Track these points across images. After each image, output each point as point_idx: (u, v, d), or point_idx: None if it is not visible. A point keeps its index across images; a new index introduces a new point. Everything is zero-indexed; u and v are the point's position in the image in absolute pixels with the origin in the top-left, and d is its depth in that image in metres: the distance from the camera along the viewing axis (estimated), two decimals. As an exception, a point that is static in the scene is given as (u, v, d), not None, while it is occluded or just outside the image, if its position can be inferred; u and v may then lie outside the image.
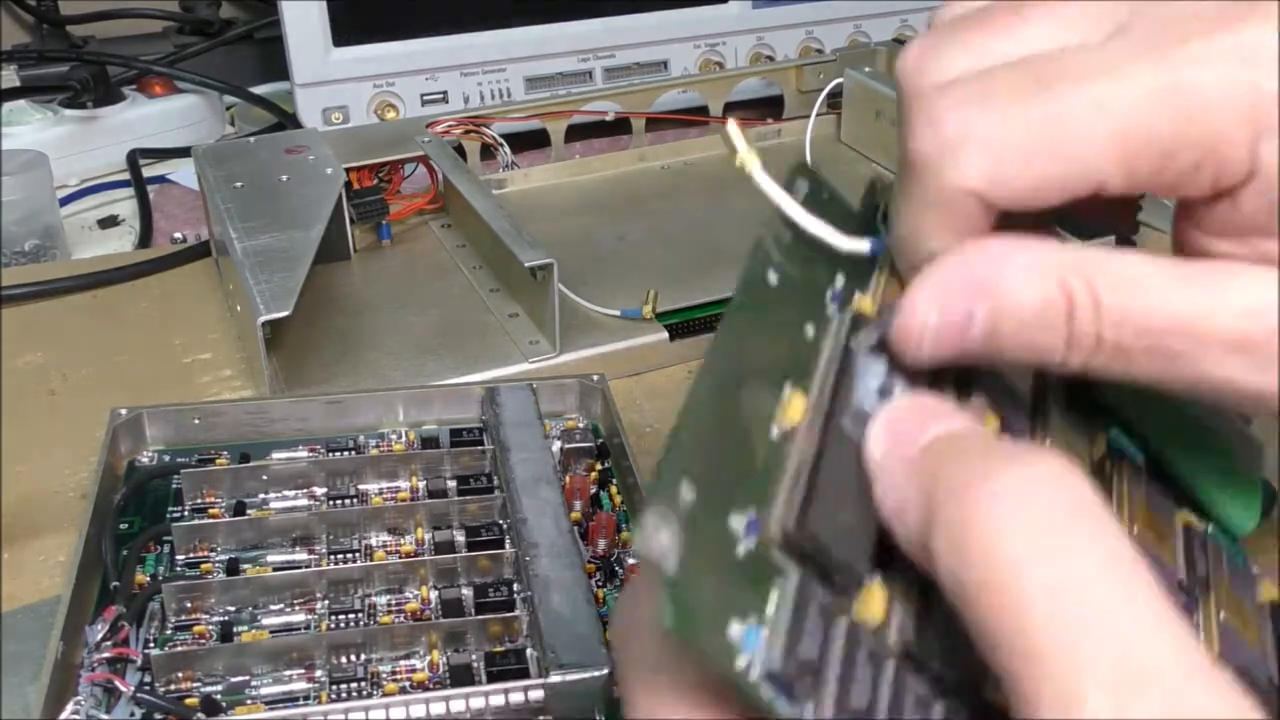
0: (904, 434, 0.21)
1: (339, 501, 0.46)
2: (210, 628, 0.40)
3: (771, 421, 0.21)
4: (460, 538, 0.44)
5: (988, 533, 0.18)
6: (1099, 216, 0.25)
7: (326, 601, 0.41)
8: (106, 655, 0.38)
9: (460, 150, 0.70)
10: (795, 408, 0.21)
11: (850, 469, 0.21)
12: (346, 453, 0.48)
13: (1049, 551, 0.17)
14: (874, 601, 0.20)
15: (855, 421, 0.22)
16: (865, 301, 0.24)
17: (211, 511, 0.45)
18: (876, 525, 0.21)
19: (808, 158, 0.68)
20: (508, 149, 0.72)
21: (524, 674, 0.38)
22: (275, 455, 0.47)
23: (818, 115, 0.73)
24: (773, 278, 0.23)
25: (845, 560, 0.20)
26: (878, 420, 0.21)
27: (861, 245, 0.25)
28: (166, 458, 0.48)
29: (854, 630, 0.19)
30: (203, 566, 0.42)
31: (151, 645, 0.39)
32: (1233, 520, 0.27)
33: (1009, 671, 0.17)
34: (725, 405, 0.20)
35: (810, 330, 0.23)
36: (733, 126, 0.24)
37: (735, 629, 0.18)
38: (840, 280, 0.25)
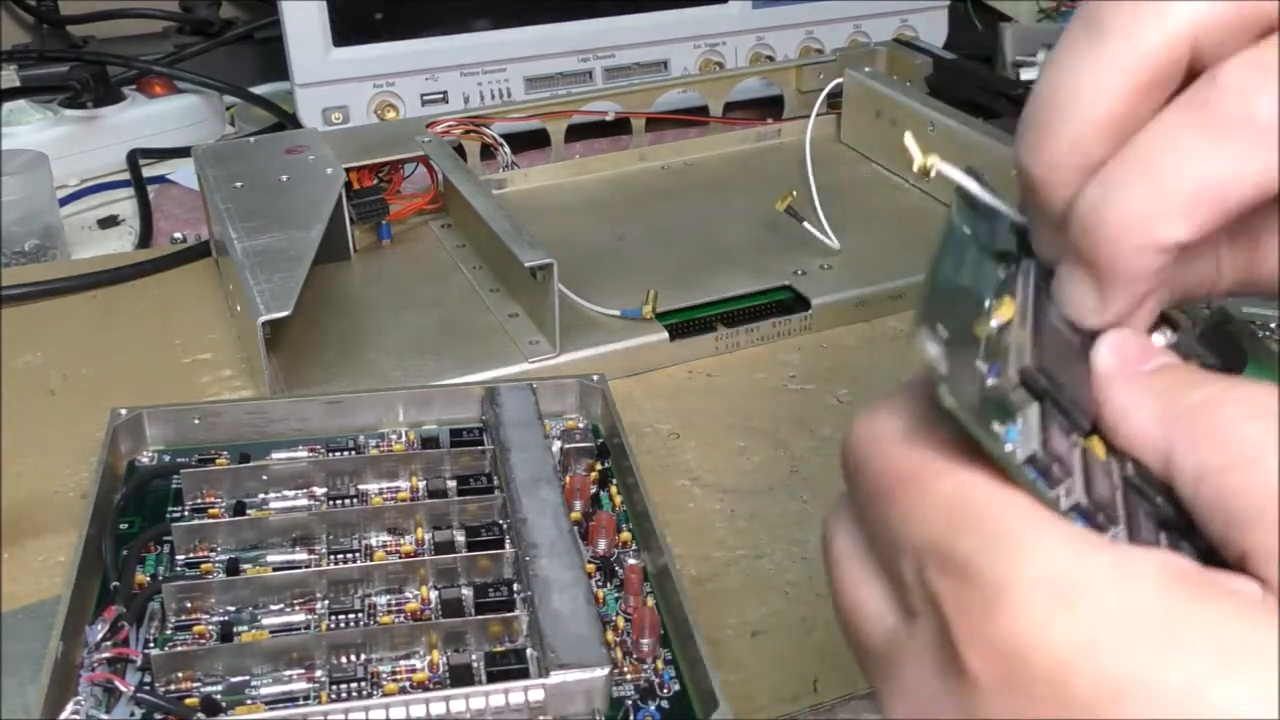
0: (1131, 356, 0.23)
1: (339, 501, 0.46)
2: (210, 628, 0.40)
3: (990, 315, 0.24)
4: (460, 538, 0.44)
5: (1234, 426, 0.21)
6: None
7: (326, 601, 0.41)
8: (106, 655, 0.38)
9: (460, 150, 0.70)
10: (1008, 306, 0.24)
11: (1072, 357, 0.24)
12: (346, 453, 0.48)
13: None
14: (1096, 444, 0.23)
15: (1060, 321, 0.25)
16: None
17: (211, 511, 0.45)
18: (1088, 401, 0.24)
19: (807, 158, 0.68)
20: (508, 149, 0.72)
21: (524, 674, 0.38)
22: (275, 455, 0.47)
23: (818, 115, 0.73)
24: (966, 229, 0.26)
25: (1074, 399, 0.23)
26: (1105, 342, 0.24)
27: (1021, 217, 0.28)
28: (166, 458, 0.48)
29: (1088, 453, 0.23)
30: (203, 566, 0.42)
31: (151, 645, 0.39)
32: None
33: (1257, 534, 0.20)
34: (953, 295, 0.24)
35: (1001, 272, 0.26)
36: (909, 139, 0.27)
37: (997, 426, 0.21)
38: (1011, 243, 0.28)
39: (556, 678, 0.36)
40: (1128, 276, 0.23)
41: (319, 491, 0.46)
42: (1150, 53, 0.22)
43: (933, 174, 0.27)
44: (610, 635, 0.40)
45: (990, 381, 0.22)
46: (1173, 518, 0.22)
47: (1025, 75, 0.85)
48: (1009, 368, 0.23)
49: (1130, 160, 0.23)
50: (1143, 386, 0.23)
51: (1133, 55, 0.22)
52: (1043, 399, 0.23)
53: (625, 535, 0.45)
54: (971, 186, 0.27)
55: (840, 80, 0.78)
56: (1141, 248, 0.22)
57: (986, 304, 0.24)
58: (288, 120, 0.81)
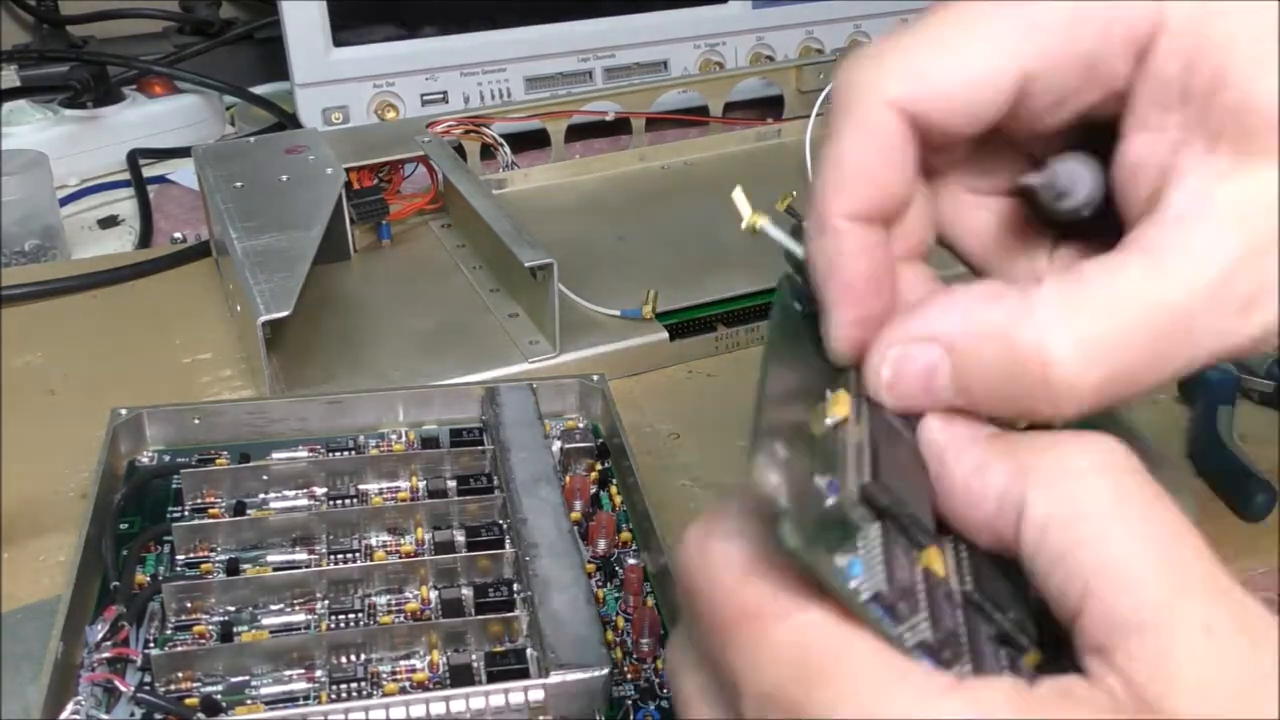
0: (961, 431, 0.23)
1: (339, 501, 0.46)
2: (210, 628, 0.40)
3: (825, 414, 0.24)
4: (460, 538, 0.44)
5: (1081, 477, 0.21)
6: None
7: (326, 601, 0.41)
8: (107, 655, 0.38)
9: (460, 150, 0.70)
10: (842, 403, 0.24)
11: (904, 454, 0.24)
12: (346, 453, 0.48)
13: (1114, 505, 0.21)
14: (936, 559, 0.22)
15: (891, 416, 0.24)
16: None
17: (211, 511, 0.45)
18: (929, 503, 0.23)
19: (807, 158, 0.68)
20: (508, 149, 0.72)
21: (524, 674, 0.38)
22: (275, 455, 0.47)
23: (818, 115, 0.73)
24: (796, 305, 0.27)
25: (915, 514, 0.22)
26: (929, 424, 0.24)
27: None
28: (166, 458, 0.48)
29: (929, 574, 0.22)
30: (203, 566, 0.42)
31: (151, 645, 0.39)
32: None
33: (1084, 600, 0.20)
34: (785, 397, 0.24)
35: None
36: (738, 193, 0.28)
37: (840, 559, 0.21)
38: None
39: (556, 678, 0.36)
40: (847, 293, 0.24)
41: (319, 491, 0.46)
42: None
43: (759, 229, 0.27)
44: (610, 635, 0.40)
45: (830, 501, 0.22)
46: (1011, 631, 0.22)
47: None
48: (848, 482, 0.22)
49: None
50: (987, 448, 0.23)
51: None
52: (884, 516, 0.22)
53: (625, 535, 0.45)
54: (796, 249, 0.27)
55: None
56: (835, 210, 0.24)
57: (824, 401, 0.24)
58: (288, 120, 0.81)
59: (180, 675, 0.38)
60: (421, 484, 0.46)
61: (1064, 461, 0.21)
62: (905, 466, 0.23)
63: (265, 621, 0.40)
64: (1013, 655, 0.22)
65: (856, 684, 0.20)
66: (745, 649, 0.21)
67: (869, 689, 0.20)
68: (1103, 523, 0.20)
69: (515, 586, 0.42)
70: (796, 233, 0.28)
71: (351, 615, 0.41)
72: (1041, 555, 0.21)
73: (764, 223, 0.28)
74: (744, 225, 0.27)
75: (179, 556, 0.43)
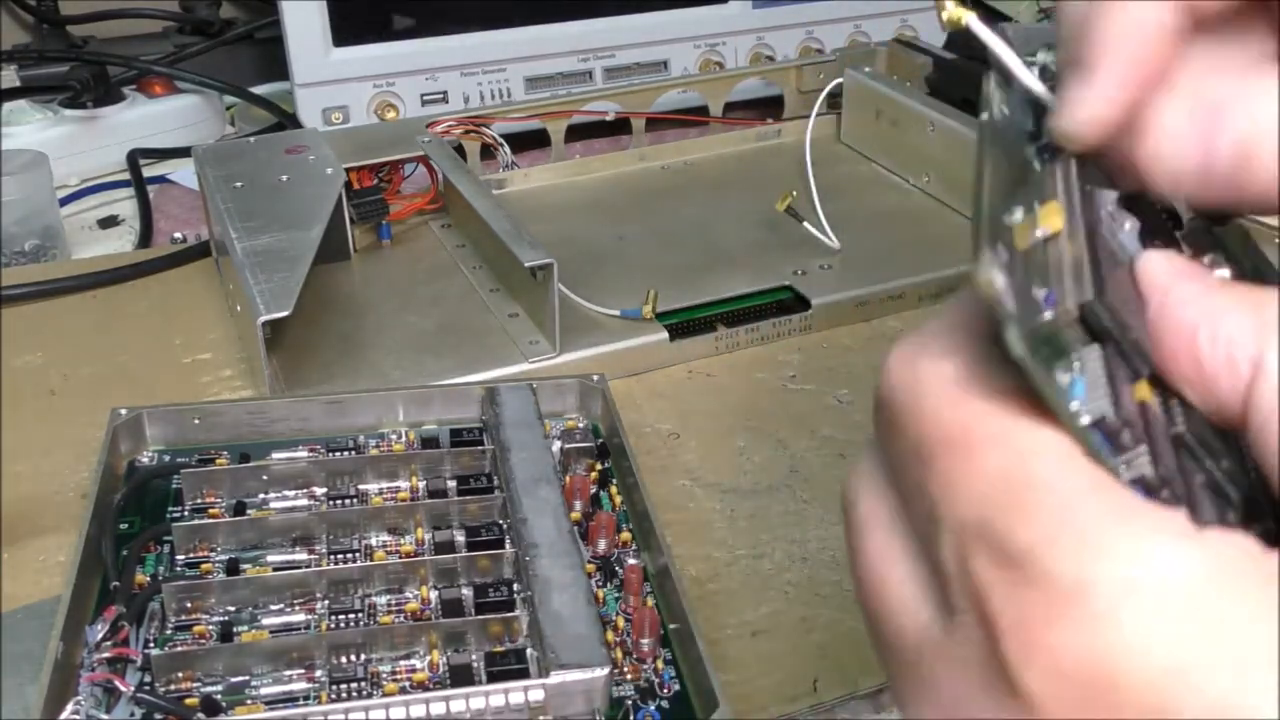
0: (1186, 270, 0.20)
1: (339, 501, 0.46)
2: (210, 628, 0.40)
3: (1034, 225, 0.21)
4: (460, 538, 0.44)
5: None
6: None
7: (326, 601, 0.41)
8: (106, 655, 0.38)
9: (460, 150, 0.70)
10: (1054, 214, 0.22)
11: (1123, 281, 0.21)
12: (346, 453, 0.48)
13: None
14: (1148, 395, 0.20)
15: (1110, 233, 0.22)
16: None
17: (211, 511, 0.45)
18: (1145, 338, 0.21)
19: (808, 158, 0.68)
20: (508, 149, 0.72)
21: (524, 674, 0.38)
22: (275, 455, 0.47)
23: (818, 115, 0.73)
24: (1003, 111, 0.24)
25: (1139, 340, 0.20)
26: (1149, 256, 0.21)
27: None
28: (166, 458, 0.48)
29: (1146, 408, 0.20)
30: (203, 566, 0.42)
31: (151, 645, 0.39)
32: None
33: None
34: (1000, 200, 0.21)
35: (1037, 165, 0.24)
36: None
37: (1062, 377, 0.19)
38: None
39: (556, 678, 0.36)
40: (1121, 38, 0.20)
41: (319, 491, 0.46)
42: None
43: (962, 24, 0.24)
44: (610, 635, 0.40)
45: (1046, 315, 0.19)
46: (1222, 481, 0.20)
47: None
48: (1066, 297, 0.20)
49: None
50: (1222, 295, 0.19)
51: None
52: (1104, 340, 0.20)
53: (625, 535, 0.45)
54: (1003, 53, 0.24)
55: (840, 80, 0.78)
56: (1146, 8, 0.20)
57: (1031, 209, 0.21)
58: (288, 120, 0.81)
59: (180, 675, 0.38)
60: (421, 484, 0.46)
61: None
62: (1123, 293, 0.21)
63: (265, 621, 0.40)
64: (1222, 508, 0.20)
65: (1075, 518, 0.17)
66: (950, 472, 0.19)
67: (1091, 525, 0.17)
68: None
69: (515, 586, 0.42)
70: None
71: (351, 615, 0.41)
72: (1273, 431, 0.18)
73: (970, 19, 0.25)
74: (944, 17, 0.24)
75: (179, 556, 0.43)
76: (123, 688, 0.37)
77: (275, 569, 0.42)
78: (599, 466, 0.48)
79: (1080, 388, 0.19)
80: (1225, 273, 0.23)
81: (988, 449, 0.19)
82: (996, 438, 0.19)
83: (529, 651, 0.39)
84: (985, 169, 0.22)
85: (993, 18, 0.99)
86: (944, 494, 0.19)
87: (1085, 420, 0.19)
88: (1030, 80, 0.25)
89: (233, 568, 0.42)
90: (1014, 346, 0.18)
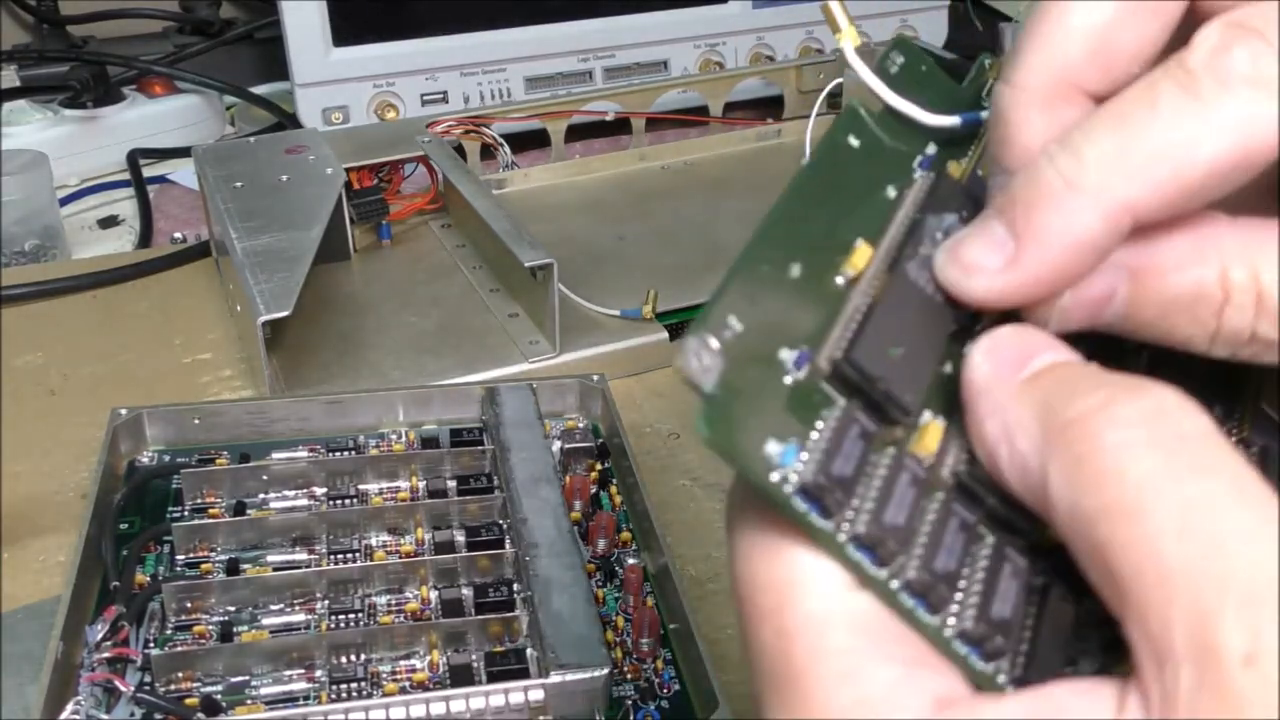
0: (1009, 359, 0.20)
1: (339, 501, 0.46)
2: (210, 628, 0.40)
3: (837, 269, 0.21)
4: (460, 538, 0.44)
5: (1115, 456, 0.17)
6: None
7: (326, 601, 0.41)
8: (106, 655, 0.38)
9: (460, 150, 0.70)
10: (861, 256, 0.22)
11: (910, 309, 0.21)
12: (346, 453, 0.48)
13: (1178, 473, 0.17)
14: (928, 436, 0.20)
15: (920, 267, 0.22)
16: (955, 166, 0.25)
17: (211, 511, 0.45)
18: (935, 365, 0.21)
19: (808, 158, 0.68)
20: (508, 149, 0.72)
21: (524, 674, 0.38)
22: (275, 455, 0.47)
23: (818, 115, 0.73)
24: (854, 141, 0.24)
25: (893, 392, 0.20)
26: (979, 344, 0.20)
27: (949, 120, 0.25)
28: (166, 458, 0.48)
29: (900, 458, 0.20)
30: (203, 566, 0.42)
31: (151, 645, 0.39)
32: None
33: (1135, 596, 0.17)
34: (790, 250, 0.21)
35: (892, 191, 0.24)
36: (834, 3, 0.25)
37: (773, 446, 0.18)
38: (932, 149, 0.25)
39: (556, 678, 0.36)
40: (1058, 237, 0.20)
41: (319, 491, 0.46)
42: None
43: (843, 47, 0.24)
44: (610, 635, 0.40)
45: (790, 379, 0.19)
46: (1007, 515, 0.20)
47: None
48: (822, 353, 0.20)
49: (1102, 113, 0.20)
50: (1017, 396, 0.19)
51: None
52: (854, 396, 0.20)
53: (625, 535, 0.45)
54: (879, 89, 0.25)
55: (840, 80, 0.78)
56: (1089, 205, 0.20)
57: (844, 254, 0.21)
58: (288, 120, 0.81)
59: (180, 675, 0.38)
60: (421, 484, 0.46)
61: (1095, 432, 0.18)
62: (916, 318, 0.21)
63: (265, 621, 0.40)
64: (1003, 542, 0.20)
65: (791, 680, 0.18)
66: (746, 639, 0.20)
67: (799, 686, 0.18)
68: (1137, 522, 0.17)
69: (515, 586, 0.42)
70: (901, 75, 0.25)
71: (351, 615, 0.41)
72: (1075, 552, 0.18)
73: (849, 48, 0.25)
74: (838, 40, 0.25)
75: (179, 556, 0.43)
76: (123, 688, 0.37)
77: (275, 569, 0.42)
78: (599, 466, 0.48)
79: (791, 456, 0.19)
80: None
81: (761, 627, 0.19)
82: (768, 612, 0.19)
83: (529, 651, 0.39)
84: (785, 210, 0.22)
85: (994, 17, 0.99)
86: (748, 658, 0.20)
87: (788, 489, 0.18)
88: (917, 111, 0.25)
89: (233, 568, 0.42)
90: (699, 427, 0.18)
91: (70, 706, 0.36)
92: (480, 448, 0.47)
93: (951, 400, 0.21)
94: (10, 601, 0.43)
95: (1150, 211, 0.20)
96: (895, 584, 0.19)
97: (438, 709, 0.36)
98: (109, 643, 0.38)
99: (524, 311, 0.59)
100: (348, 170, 0.63)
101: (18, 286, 0.61)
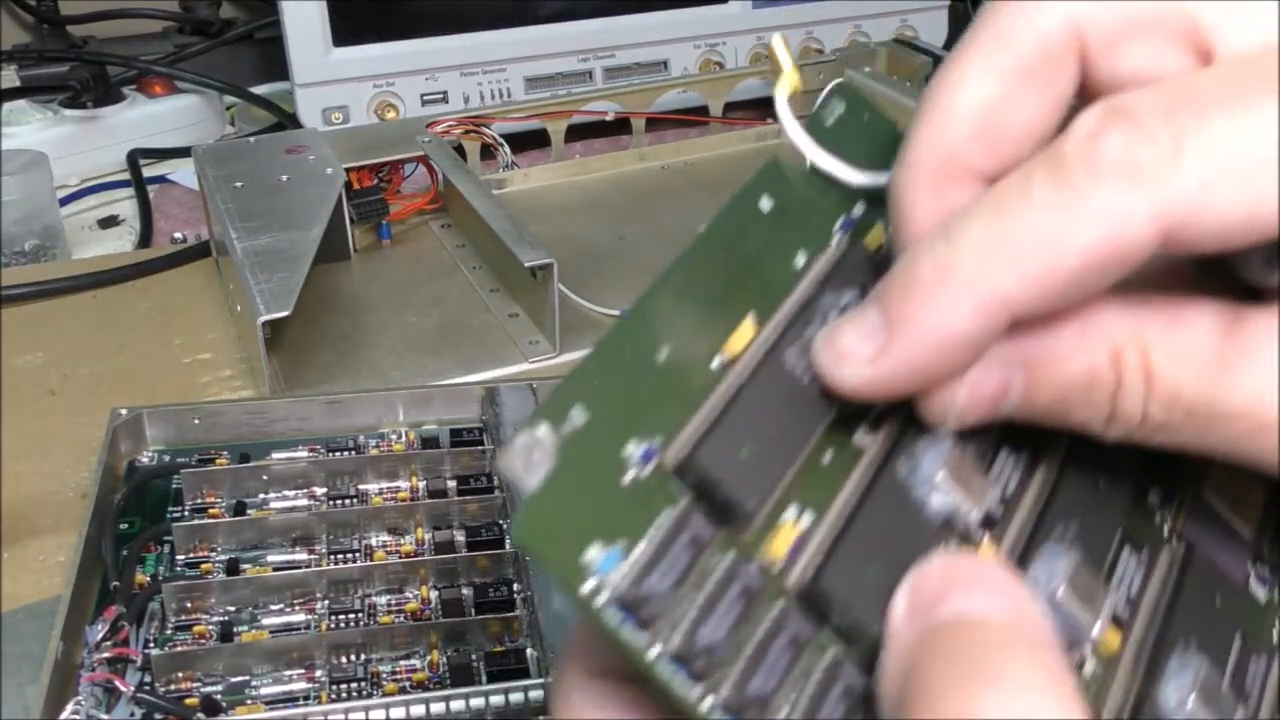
0: (924, 602, 0.19)
1: (339, 501, 0.46)
2: (210, 628, 0.40)
3: (716, 350, 0.20)
4: (460, 537, 0.44)
5: None
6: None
7: (326, 601, 0.41)
8: (107, 655, 0.38)
9: (460, 150, 0.70)
10: (742, 337, 0.20)
11: (779, 399, 0.20)
12: (346, 453, 0.48)
13: None
14: (779, 540, 0.19)
15: (800, 353, 0.21)
16: (876, 232, 0.24)
17: (211, 511, 0.45)
18: (798, 465, 0.20)
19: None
20: (508, 149, 0.72)
21: (524, 674, 0.38)
22: (275, 455, 0.47)
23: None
24: (765, 203, 0.22)
25: (734, 497, 0.19)
26: (906, 583, 0.19)
27: (876, 178, 0.24)
28: (166, 458, 0.48)
29: (735, 566, 0.19)
30: (203, 566, 0.42)
31: (151, 645, 0.39)
32: None
33: None
34: (665, 329, 0.20)
35: (801, 259, 0.22)
36: (777, 41, 0.24)
37: (594, 552, 0.17)
38: (859, 209, 0.24)
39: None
40: (929, 330, 0.19)
41: (319, 491, 0.46)
42: (1019, 38, 0.20)
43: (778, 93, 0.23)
44: (610, 635, 0.40)
45: (630, 476, 0.18)
46: (850, 629, 0.19)
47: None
48: (671, 447, 0.19)
49: (981, 200, 0.19)
50: (915, 646, 0.18)
51: (1001, 40, 0.21)
52: (699, 496, 0.19)
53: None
54: (801, 142, 0.23)
55: (840, 80, 0.78)
56: (963, 298, 0.19)
57: (725, 333, 0.20)
58: (288, 120, 0.81)
59: (180, 675, 0.38)
60: (421, 484, 0.46)
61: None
62: (783, 409, 0.20)
63: (265, 621, 0.40)
64: (832, 663, 0.19)
65: None
66: None
67: None
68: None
69: (515, 586, 0.42)
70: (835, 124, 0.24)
71: (351, 615, 0.41)
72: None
73: (780, 94, 0.23)
74: (779, 83, 0.23)
75: (179, 556, 0.43)
76: (123, 688, 0.37)
77: (275, 569, 0.42)
78: (599, 466, 0.48)
79: (612, 562, 0.17)
80: None
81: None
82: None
83: (529, 651, 0.39)
84: (669, 282, 0.20)
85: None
86: None
87: (600, 600, 0.17)
88: (843, 170, 0.23)
89: (233, 568, 0.42)
90: (514, 530, 0.17)
91: (70, 706, 0.36)
92: (480, 448, 0.47)
93: (825, 492, 0.20)
94: (10, 601, 0.43)
95: (1027, 306, 0.19)
96: (708, 703, 0.18)
97: (438, 709, 0.36)
98: (109, 643, 0.38)
99: (524, 311, 0.59)
100: (348, 170, 0.63)
101: (18, 286, 0.61)
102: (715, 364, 0.20)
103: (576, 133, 0.77)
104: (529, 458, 0.18)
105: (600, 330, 0.57)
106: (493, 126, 0.72)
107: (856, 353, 0.20)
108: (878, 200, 0.23)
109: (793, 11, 0.86)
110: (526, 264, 0.53)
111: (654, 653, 0.18)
